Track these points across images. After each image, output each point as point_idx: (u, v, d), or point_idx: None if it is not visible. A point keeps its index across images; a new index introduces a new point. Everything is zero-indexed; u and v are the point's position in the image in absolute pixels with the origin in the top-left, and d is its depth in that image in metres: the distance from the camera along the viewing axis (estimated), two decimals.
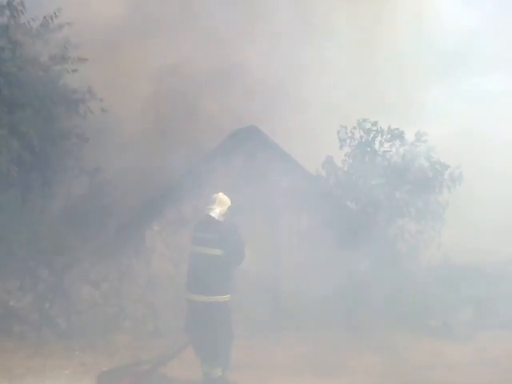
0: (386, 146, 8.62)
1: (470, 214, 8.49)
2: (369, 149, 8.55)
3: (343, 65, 10.03)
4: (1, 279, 6.99)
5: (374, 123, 8.60)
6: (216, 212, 5.50)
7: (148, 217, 7.65)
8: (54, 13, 9.04)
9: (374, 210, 8.28)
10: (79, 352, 6.65)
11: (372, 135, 8.61)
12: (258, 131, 8.16)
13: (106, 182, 8.50)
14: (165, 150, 8.47)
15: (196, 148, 8.31)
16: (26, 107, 8.33)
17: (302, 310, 7.86)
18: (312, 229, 8.24)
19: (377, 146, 8.61)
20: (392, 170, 8.38)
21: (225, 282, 5.37)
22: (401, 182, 8.33)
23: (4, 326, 6.90)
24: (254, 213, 7.57)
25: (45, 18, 9.13)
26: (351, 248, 8.17)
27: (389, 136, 8.58)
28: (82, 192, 8.48)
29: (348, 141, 8.64)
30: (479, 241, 8.16)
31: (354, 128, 8.64)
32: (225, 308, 5.38)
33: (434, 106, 10.75)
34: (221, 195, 5.62)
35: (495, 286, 7.67)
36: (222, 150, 8.13)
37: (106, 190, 8.50)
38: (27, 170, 8.22)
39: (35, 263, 7.11)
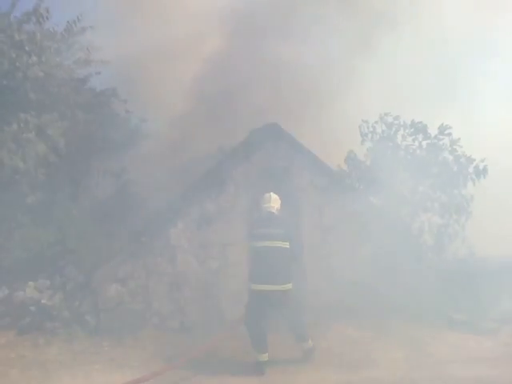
0: (409, 139, 8.50)
1: (495, 207, 8.32)
2: (391, 143, 8.46)
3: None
4: (33, 278, 7.22)
5: (396, 117, 8.50)
6: (275, 209, 6.21)
7: (172, 215, 7.76)
8: (77, 17, 9.28)
9: (398, 205, 8.19)
10: (108, 348, 6.84)
11: (394, 129, 8.51)
12: (279, 128, 8.19)
13: (132, 183, 8.66)
14: (189, 148, 8.59)
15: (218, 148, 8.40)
16: (52, 111, 8.57)
17: (325, 304, 7.88)
18: (335, 224, 8.24)
19: (399, 140, 8.50)
20: (415, 164, 8.27)
21: (290, 271, 6.07)
22: (424, 176, 8.22)
23: (37, 323, 7.14)
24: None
25: (68, 22, 9.38)
26: (374, 243, 8.15)
27: (412, 130, 8.46)
28: (109, 192, 8.65)
29: (370, 135, 8.56)
30: (504, 234, 8.00)
31: (376, 122, 8.56)
32: (293, 292, 6.05)
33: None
34: (272, 194, 6.27)
35: None
36: (243, 147, 8.20)
37: (131, 190, 8.66)
38: (54, 171, 8.45)
39: (64, 263, 7.32)
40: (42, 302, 7.20)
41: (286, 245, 6.05)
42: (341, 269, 8.10)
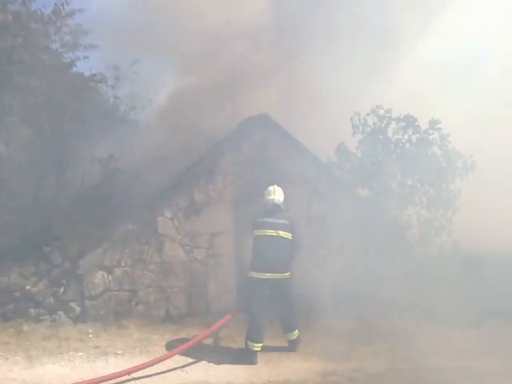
0: (400, 133, 8.53)
1: (481, 201, 8.39)
2: (381, 136, 8.48)
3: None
4: (17, 264, 7.13)
5: (388, 110, 8.52)
6: (280, 201, 6.30)
7: (160, 203, 7.71)
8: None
9: (386, 198, 8.24)
10: (93, 335, 6.80)
11: (385, 122, 8.54)
12: (268, 118, 8.15)
13: (119, 170, 8.56)
14: (178, 137, 8.51)
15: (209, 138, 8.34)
16: (38, 95, 8.39)
17: (312, 296, 7.92)
18: (323, 216, 8.27)
19: (390, 133, 8.53)
20: (404, 158, 8.31)
21: (290, 261, 6.22)
22: (413, 169, 8.27)
23: (21, 309, 7.07)
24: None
25: (56, 4, 9.16)
26: (362, 235, 8.20)
27: (403, 124, 8.49)
28: (96, 179, 8.55)
29: (361, 127, 8.58)
30: (490, 228, 8.08)
31: (368, 114, 8.57)
32: (292, 281, 6.23)
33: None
34: (276, 186, 6.37)
35: (506, 274, 7.62)
36: (232, 137, 8.15)
37: (118, 178, 8.57)
38: (40, 157, 8.31)
39: (50, 249, 7.23)
40: (27, 288, 7.11)
41: (289, 236, 6.16)
42: (327, 260, 8.15)
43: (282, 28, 10.38)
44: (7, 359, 5.99)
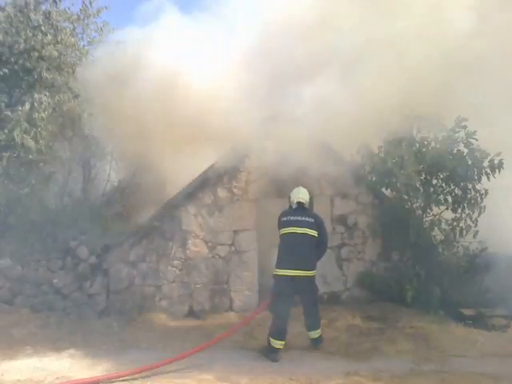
0: (424, 131, 8.38)
1: (508, 202, 8.21)
2: (406, 135, 8.35)
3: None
4: (45, 258, 7.31)
5: (413, 108, 8.37)
6: (306, 200, 6.44)
7: (184, 200, 7.79)
8: None
9: (410, 197, 8.13)
10: (118, 329, 6.92)
11: (410, 120, 8.39)
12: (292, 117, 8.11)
13: (145, 167, 8.67)
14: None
15: None
16: (67, 91, 8.58)
17: (334, 294, 7.93)
18: (346, 215, 8.24)
19: (414, 131, 8.39)
20: (429, 157, 8.16)
21: (316, 259, 6.29)
22: (438, 168, 8.12)
23: (48, 302, 7.25)
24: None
25: (84, 3, 9.34)
26: (385, 235, 8.14)
27: (427, 122, 8.34)
28: (122, 176, 8.67)
29: (385, 126, 8.45)
30: None
31: (392, 113, 8.44)
32: (315, 279, 6.30)
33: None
34: (301, 187, 6.51)
35: None
36: (256, 135, 8.15)
37: (144, 175, 8.68)
38: (68, 152, 8.49)
39: (77, 244, 7.38)
40: (54, 281, 7.29)
41: (315, 233, 6.23)
42: (350, 259, 8.14)
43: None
44: (36, 350, 6.16)
